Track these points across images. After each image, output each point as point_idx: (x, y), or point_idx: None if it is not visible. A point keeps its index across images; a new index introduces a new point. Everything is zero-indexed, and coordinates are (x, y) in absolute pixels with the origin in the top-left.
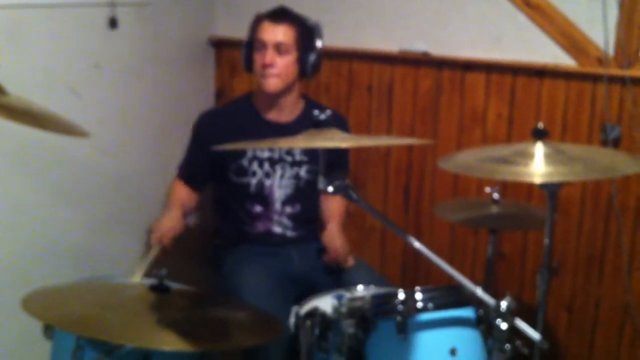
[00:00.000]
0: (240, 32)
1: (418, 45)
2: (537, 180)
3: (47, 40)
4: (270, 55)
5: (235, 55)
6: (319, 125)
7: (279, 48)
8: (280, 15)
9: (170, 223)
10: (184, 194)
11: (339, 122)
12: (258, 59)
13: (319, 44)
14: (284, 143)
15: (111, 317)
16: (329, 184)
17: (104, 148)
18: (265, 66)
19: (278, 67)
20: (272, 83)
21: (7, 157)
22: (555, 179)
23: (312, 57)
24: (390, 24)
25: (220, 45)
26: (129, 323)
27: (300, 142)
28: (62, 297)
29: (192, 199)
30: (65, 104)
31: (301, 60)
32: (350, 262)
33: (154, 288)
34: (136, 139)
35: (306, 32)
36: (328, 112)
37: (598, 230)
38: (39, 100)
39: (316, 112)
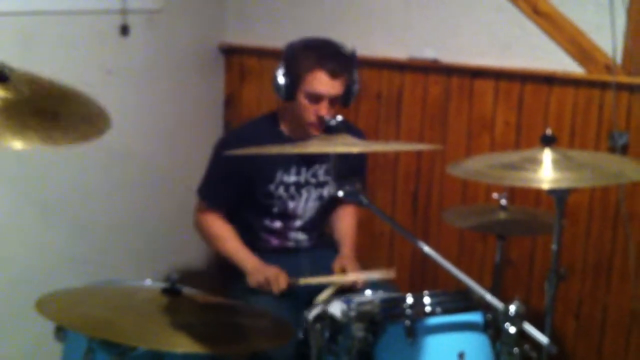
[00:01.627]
0: (249, 39)
1: (427, 52)
2: (545, 186)
3: (59, 47)
4: (325, 108)
5: (244, 62)
6: (330, 130)
7: (334, 100)
8: (338, 67)
9: (273, 270)
10: (228, 227)
11: (357, 134)
12: (310, 108)
13: (357, 75)
14: (297, 149)
15: (123, 319)
16: (339, 189)
17: (116, 153)
18: (320, 118)
19: (329, 116)
20: (321, 130)
21: (27, 160)
22: (563, 185)
23: (354, 89)
24: (400, 32)
25: (230, 52)
26: (141, 325)
27: (312, 147)
28: (75, 299)
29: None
30: None
31: (345, 97)
32: (361, 285)
33: (165, 291)
34: (147, 145)
35: (353, 72)
36: (339, 117)
37: (606, 237)
38: None
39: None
